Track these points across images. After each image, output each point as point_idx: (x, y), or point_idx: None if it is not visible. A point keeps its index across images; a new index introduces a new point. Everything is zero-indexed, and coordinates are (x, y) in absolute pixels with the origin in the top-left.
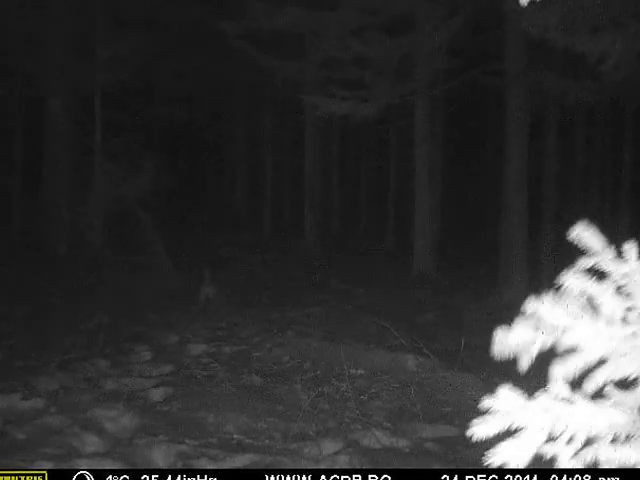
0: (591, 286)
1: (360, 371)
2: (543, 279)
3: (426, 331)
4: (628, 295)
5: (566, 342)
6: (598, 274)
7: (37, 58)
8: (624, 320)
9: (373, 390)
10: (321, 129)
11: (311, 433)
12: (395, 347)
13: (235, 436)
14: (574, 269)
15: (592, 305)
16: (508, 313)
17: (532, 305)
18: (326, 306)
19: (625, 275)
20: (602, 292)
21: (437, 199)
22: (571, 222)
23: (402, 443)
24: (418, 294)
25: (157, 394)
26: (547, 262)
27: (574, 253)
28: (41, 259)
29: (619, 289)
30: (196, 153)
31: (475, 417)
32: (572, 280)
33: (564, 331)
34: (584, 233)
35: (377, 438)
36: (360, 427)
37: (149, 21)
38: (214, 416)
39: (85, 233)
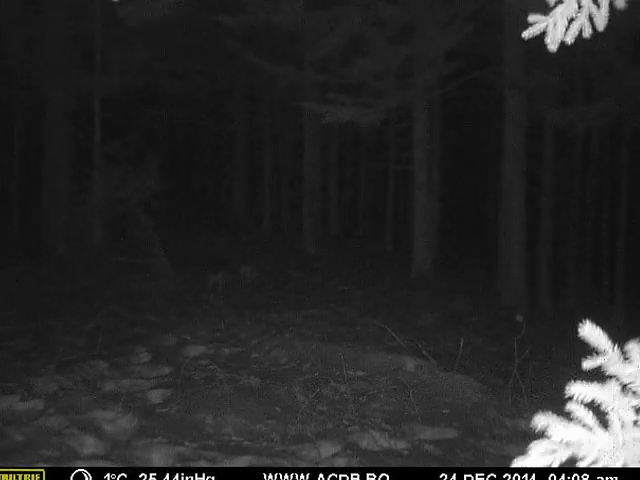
0: (599, 392)
1: (359, 373)
2: (542, 279)
3: (425, 333)
4: (635, 394)
5: (582, 455)
6: (604, 375)
7: (37, 61)
8: (636, 423)
9: (372, 392)
10: (320, 131)
11: (310, 435)
12: (394, 349)
13: (234, 438)
14: (582, 370)
15: (602, 412)
16: (507, 314)
17: (544, 421)
18: (325, 308)
19: (630, 375)
20: (611, 398)
21: (436, 200)
22: (570, 223)
23: (401, 445)
24: (417, 296)
25: (156, 396)
26: (546, 262)
27: (572, 255)
28: (40, 260)
29: (625, 387)
30: (195, 155)
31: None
32: (580, 388)
33: (579, 446)
34: (592, 333)
35: (376, 440)
36: (359, 429)
37: (148, 24)
38: (213, 418)
39: (84, 234)
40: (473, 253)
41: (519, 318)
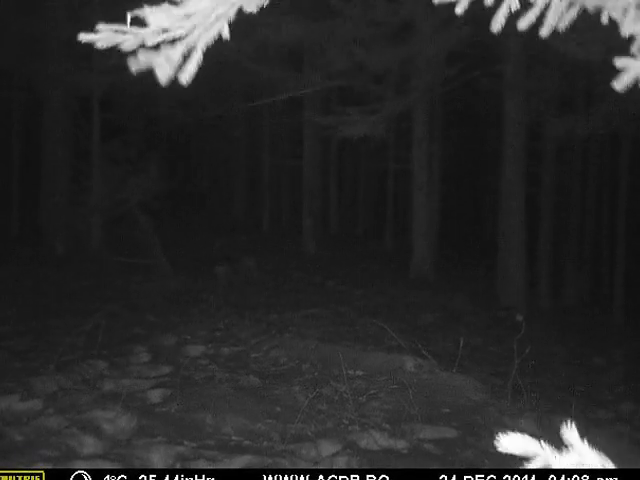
0: None
1: (358, 372)
2: (542, 279)
3: (424, 332)
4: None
5: None
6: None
7: (36, 62)
8: None
9: (371, 391)
10: (319, 131)
11: (309, 434)
12: (393, 348)
13: (233, 437)
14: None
15: None
16: (507, 314)
17: None
18: (324, 308)
19: (574, 463)
20: None
21: (435, 201)
22: (569, 223)
23: (400, 444)
24: (416, 295)
25: (155, 395)
26: (546, 262)
27: (572, 255)
28: (39, 260)
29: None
30: (195, 154)
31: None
32: None
33: None
34: (514, 444)
35: (375, 439)
36: (358, 428)
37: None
38: (212, 417)
39: (83, 234)
40: (473, 253)
41: (519, 318)
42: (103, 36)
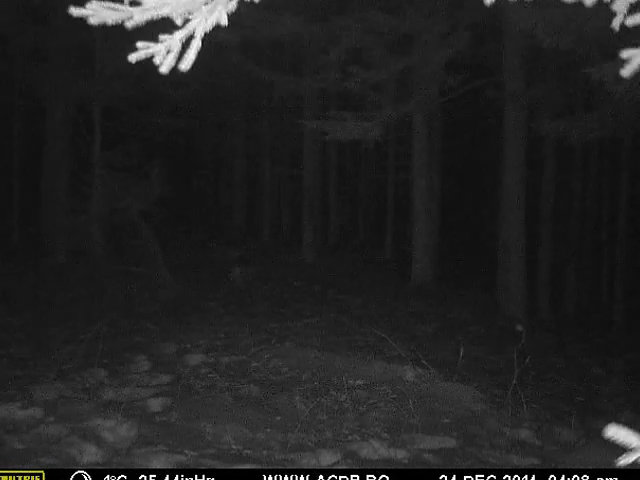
0: None
1: (358, 382)
2: (542, 288)
3: (424, 342)
4: None
5: None
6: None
7: (37, 71)
8: None
9: (371, 401)
10: (320, 140)
11: (309, 444)
12: (393, 358)
13: (233, 446)
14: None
15: None
16: (506, 324)
17: None
18: (324, 317)
19: None
20: None
21: (436, 210)
22: (569, 232)
23: (400, 454)
24: (416, 305)
25: (155, 404)
26: (546, 271)
27: (572, 264)
28: (40, 268)
29: None
30: (195, 163)
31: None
32: None
33: None
34: (619, 433)
35: (375, 449)
36: (358, 438)
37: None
38: (212, 426)
39: (84, 242)
40: (473, 262)
41: (519, 327)
42: (93, 11)
